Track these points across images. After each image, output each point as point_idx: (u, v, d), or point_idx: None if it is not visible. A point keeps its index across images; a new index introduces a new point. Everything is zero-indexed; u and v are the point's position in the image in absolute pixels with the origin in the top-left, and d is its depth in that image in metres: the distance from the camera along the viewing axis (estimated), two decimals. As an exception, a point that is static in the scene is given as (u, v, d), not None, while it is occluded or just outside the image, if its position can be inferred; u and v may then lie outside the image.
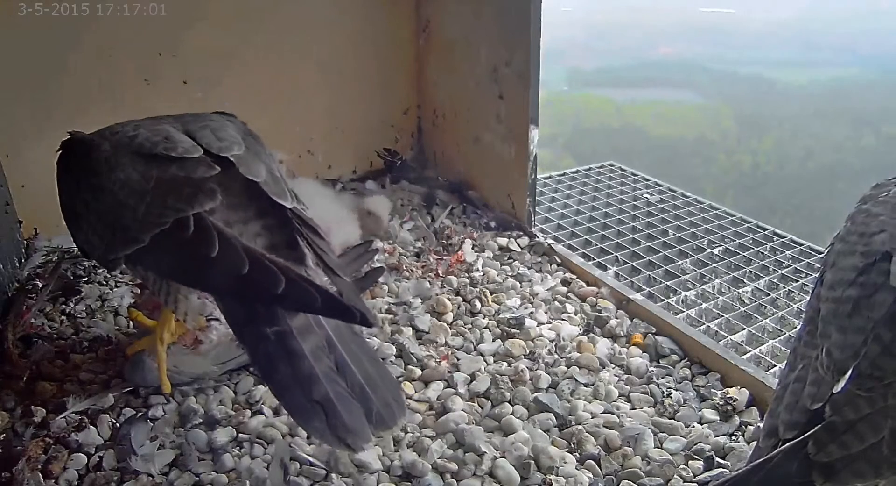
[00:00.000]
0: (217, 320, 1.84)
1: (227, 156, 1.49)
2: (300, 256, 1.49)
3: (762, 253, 2.74)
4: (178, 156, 1.47)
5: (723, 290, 2.46)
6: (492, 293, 2.22)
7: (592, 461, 1.56)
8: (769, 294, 2.45)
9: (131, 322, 2.01)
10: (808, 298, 1.36)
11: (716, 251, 2.73)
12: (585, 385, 1.81)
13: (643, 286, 2.45)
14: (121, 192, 1.45)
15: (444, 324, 2.05)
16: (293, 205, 1.53)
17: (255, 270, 1.31)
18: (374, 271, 2.14)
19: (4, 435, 1.59)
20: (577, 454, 1.59)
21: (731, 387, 1.78)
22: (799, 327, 1.33)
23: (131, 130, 1.56)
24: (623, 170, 3.66)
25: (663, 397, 1.76)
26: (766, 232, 2.90)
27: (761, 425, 1.58)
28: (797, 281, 2.52)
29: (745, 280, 2.52)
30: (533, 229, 2.62)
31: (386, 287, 2.24)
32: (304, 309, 1.33)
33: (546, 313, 2.13)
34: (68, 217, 1.61)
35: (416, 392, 1.78)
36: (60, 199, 1.62)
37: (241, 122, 1.75)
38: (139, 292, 2.19)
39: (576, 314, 2.13)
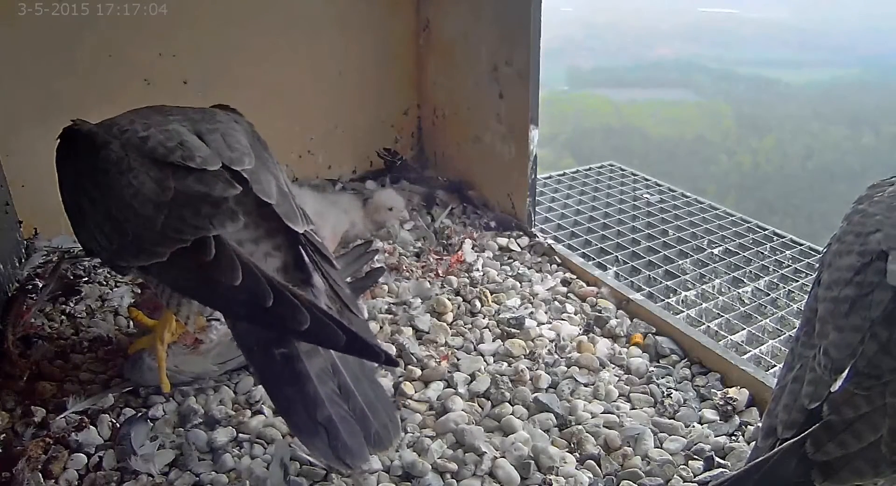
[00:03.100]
0: (217, 320, 1.84)
1: (240, 171, 1.47)
2: (313, 286, 1.47)
3: (762, 253, 2.74)
4: (195, 167, 1.44)
5: (723, 290, 2.46)
6: (492, 293, 2.22)
7: (592, 461, 1.56)
8: (769, 294, 2.45)
9: (131, 322, 2.01)
10: (806, 298, 1.36)
11: (716, 251, 2.73)
12: (585, 385, 1.81)
13: (643, 286, 2.45)
14: (134, 200, 1.41)
15: (444, 324, 2.05)
16: (304, 228, 1.51)
17: (279, 303, 1.30)
18: (375, 271, 2.14)
19: (4, 435, 1.59)
20: (577, 454, 1.59)
21: (731, 387, 1.78)
22: (797, 327, 1.33)
23: (141, 128, 1.51)
24: (623, 170, 3.66)
25: (663, 397, 1.76)
26: (766, 232, 2.90)
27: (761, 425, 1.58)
28: (797, 281, 2.52)
29: (745, 280, 2.52)
30: (533, 229, 2.62)
31: (386, 287, 2.24)
32: (327, 346, 1.34)
33: (546, 313, 2.13)
34: (71, 212, 1.58)
35: (416, 392, 1.78)
36: (62, 192, 1.59)
37: (247, 121, 1.73)
38: (139, 291, 2.19)
39: (576, 314, 2.13)
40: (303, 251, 1.50)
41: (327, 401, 1.32)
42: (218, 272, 1.34)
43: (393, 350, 1.92)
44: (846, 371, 1.09)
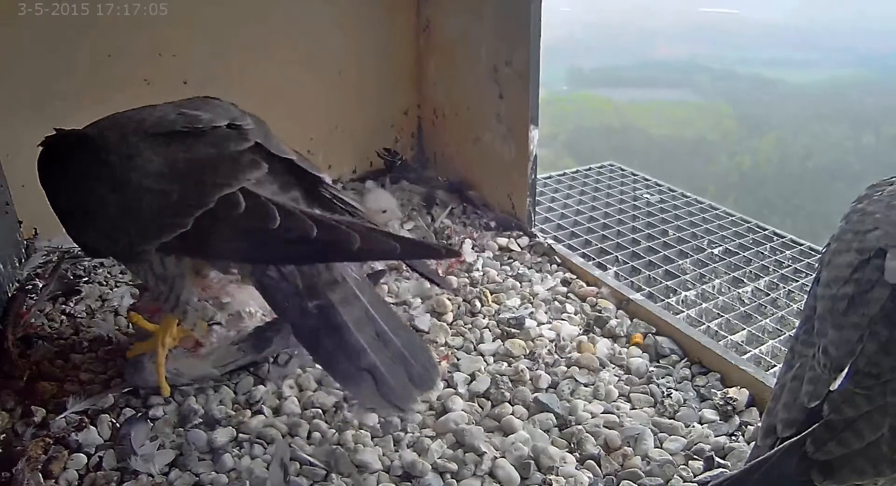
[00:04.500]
0: (218, 323, 1.84)
1: (247, 130, 1.47)
2: None
3: (762, 253, 2.74)
4: (203, 127, 1.42)
5: (723, 290, 2.46)
6: (492, 293, 2.22)
7: (592, 461, 1.56)
8: (769, 294, 2.45)
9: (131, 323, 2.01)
10: (806, 297, 1.36)
11: (716, 251, 2.73)
12: (585, 385, 1.81)
13: (643, 286, 2.45)
14: (146, 179, 1.38)
15: (444, 324, 2.05)
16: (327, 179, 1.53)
17: (324, 232, 1.29)
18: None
19: (4, 435, 1.59)
20: (577, 454, 1.59)
21: (731, 387, 1.78)
22: (797, 326, 1.33)
23: (133, 115, 1.50)
24: (623, 170, 3.66)
25: (663, 397, 1.76)
26: (766, 232, 2.90)
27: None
28: (797, 281, 2.52)
29: (745, 280, 2.52)
30: (533, 229, 2.62)
31: (386, 287, 2.23)
32: (384, 258, 1.36)
33: (546, 313, 2.13)
34: (72, 218, 1.53)
35: (416, 392, 1.78)
36: (56, 201, 1.53)
37: (231, 103, 1.71)
38: (139, 293, 2.19)
39: (576, 314, 2.13)
40: (327, 197, 1.51)
41: (369, 347, 1.33)
42: (253, 221, 1.33)
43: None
44: (846, 370, 1.09)
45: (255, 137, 1.48)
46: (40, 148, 1.55)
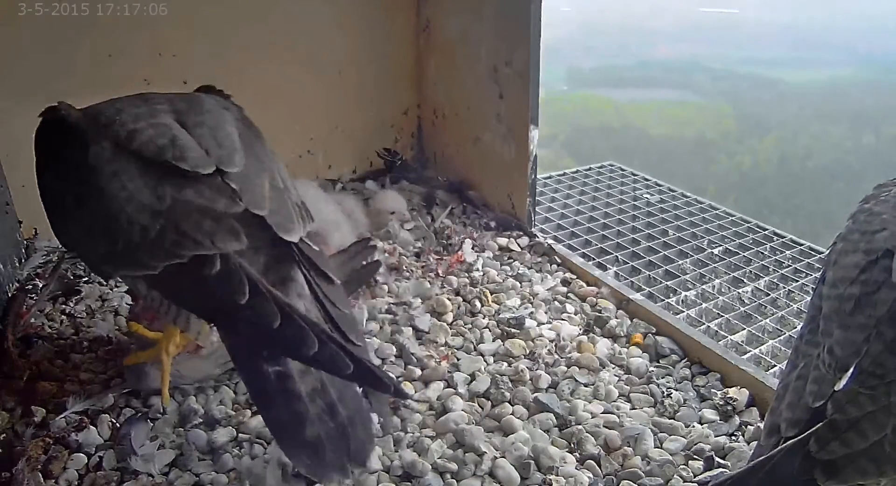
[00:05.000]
0: None
1: (232, 176, 1.42)
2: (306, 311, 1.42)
3: (762, 253, 2.74)
4: (189, 169, 1.38)
5: (723, 290, 2.46)
6: (492, 293, 2.22)
7: (592, 461, 1.56)
8: (769, 294, 2.45)
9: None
10: (810, 297, 1.36)
11: (716, 251, 2.73)
12: (585, 385, 1.81)
13: (643, 286, 2.45)
14: (127, 204, 1.35)
15: (444, 324, 2.05)
16: (300, 234, 1.47)
17: (287, 326, 1.27)
18: (372, 264, 2.11)
19: (4, 435, 1.59)
20: (577, 454, 1.59)
21: (731, 387, 1.78)
22: (801, 325, 1.33)
23: (129, 121, 1.45)
24: (623, 170, 3.66)
25: (663, 397, 1.76)
26: (766, 232, 2.90)
27: (762, 424, 1.58)
28: (797, 281, 2.52)
29: (745, 280, 2.52)
30: (533, 229, 2.62)
31: (386, 287, 2.24)
32: (333, 373, 1.32)
33: (546, 313, 2.13)
34: (50, 204, 1.51)
35: (416, 392, 1.78)
36: (40, 179, 1.51)
37: (237, 106, 1.70)
38: (133, 299, 2.18)
39: (576, 314, 2.13)
40: (297, 267, 1.45)
41: (317, 420, 1.32)
42: (221, 289, 1.30)
43: (393, 350, 1.92)
44: (851, 370, 1.09)
45: (243, 182, 1.43)
46: (39, 118, 1.53)
